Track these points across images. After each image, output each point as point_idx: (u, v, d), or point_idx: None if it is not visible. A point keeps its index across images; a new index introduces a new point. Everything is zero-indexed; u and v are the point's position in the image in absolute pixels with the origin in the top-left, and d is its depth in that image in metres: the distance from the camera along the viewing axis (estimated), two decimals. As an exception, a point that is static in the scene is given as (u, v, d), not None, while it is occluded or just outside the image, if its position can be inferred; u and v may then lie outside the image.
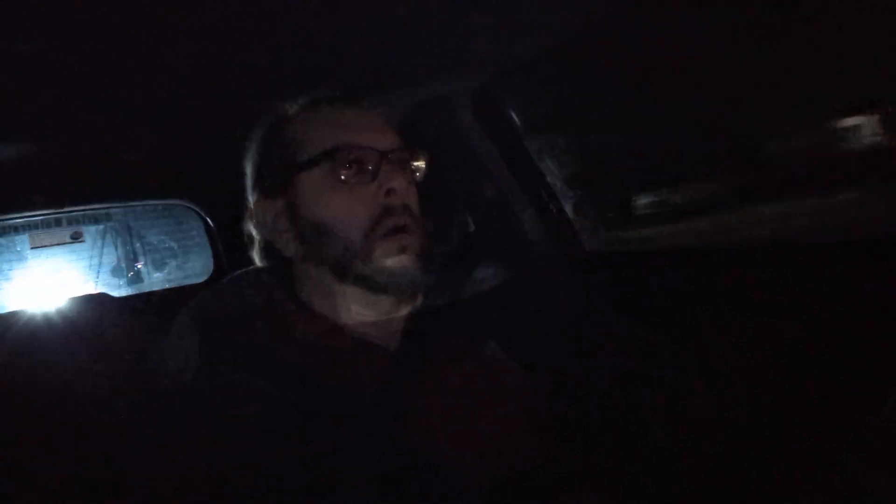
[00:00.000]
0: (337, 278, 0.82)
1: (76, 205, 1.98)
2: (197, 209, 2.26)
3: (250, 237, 0.90)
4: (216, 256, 2.33)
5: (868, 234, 0.88)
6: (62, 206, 1.96)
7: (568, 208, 1.31)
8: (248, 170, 0.89)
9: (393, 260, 0.79)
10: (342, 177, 0.79)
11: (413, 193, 0.85)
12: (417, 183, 0.87)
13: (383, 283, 0.80)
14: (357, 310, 0.83)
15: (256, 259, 0.91)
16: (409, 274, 0.80)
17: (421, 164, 0.87)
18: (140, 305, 2.10)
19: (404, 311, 0.86)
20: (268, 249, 0.88)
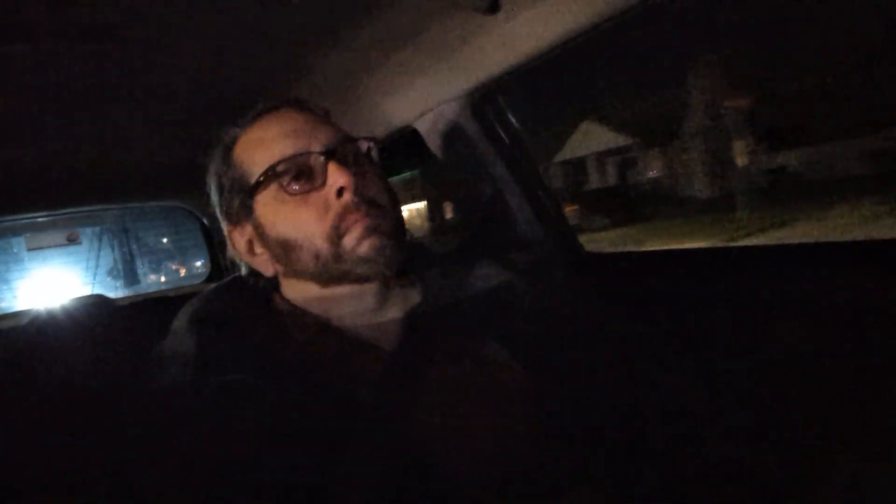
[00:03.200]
0: (320, 285, 0.82)
1: (73, 207, 1.97)
2: (194, 211, 2.26)
3: (233, 263, 0.90)
4: (213, 258, 2.33)
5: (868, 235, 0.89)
6: (59, 208, 1.95)
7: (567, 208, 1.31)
8: (214, 198, 0.89)
9: (363, 246, 0.78)
10: (292, 190, 0.79)
11: (370, 180, 0.83)
12: (375, 165, 0.85)
13: (362, 271, 0.79)
14: (349, 310, 0.83)
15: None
16: (383, 253, 0.79)
17: (371, 152, 0.85)
18: (137, 307, 2.09)
19: (401, 308, 0.86)
20: (252, 271, 0.88)
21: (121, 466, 0.69)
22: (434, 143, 1.38)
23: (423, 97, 1.26)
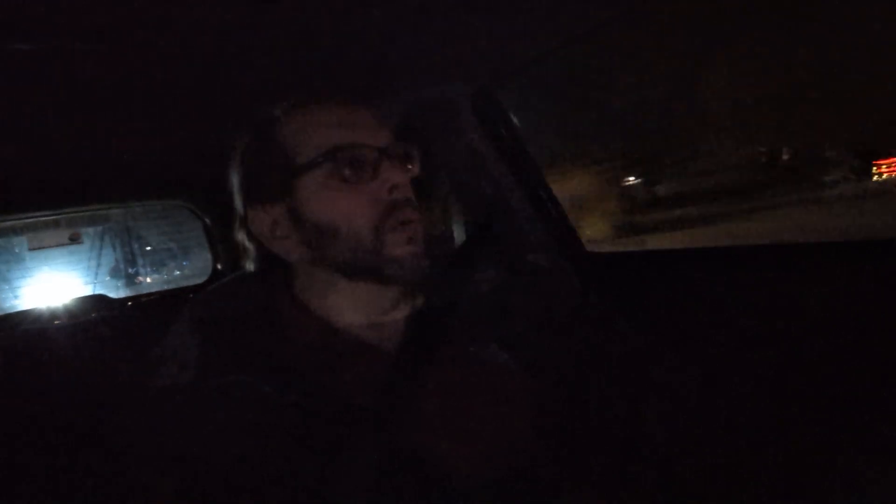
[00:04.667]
0: (345, 276, 0.81)
1: (75, 206, 1.98)
2: (196, 210, 2.26)
3: (244, 247, 0.89)
4: (215, 257, 2.33)
5: (868, 235, 0.88)
6: (61, 208, 1.96)
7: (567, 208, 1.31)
8: (236, 179, 0.87)
9: (402, 250, 0.79)
10: (345, 176, 0.79)
11: (410, 188, 0.84)
12: (414, 178, 0.86)
13: (393, 273, 0.80)
14: (358, 309, 0.82)
15: (251, 267, 0.89)
16: (416, 263, 0.80)
17: (416, 158, 0.86)
18: (139, 307, 2.09)
19: (404, 310, 0.86)
20: (265, 257, 0.86)
21: (121, 465, 0.69)
22: (435, 143, 1.38)
23: (424, 96, 1.26)
